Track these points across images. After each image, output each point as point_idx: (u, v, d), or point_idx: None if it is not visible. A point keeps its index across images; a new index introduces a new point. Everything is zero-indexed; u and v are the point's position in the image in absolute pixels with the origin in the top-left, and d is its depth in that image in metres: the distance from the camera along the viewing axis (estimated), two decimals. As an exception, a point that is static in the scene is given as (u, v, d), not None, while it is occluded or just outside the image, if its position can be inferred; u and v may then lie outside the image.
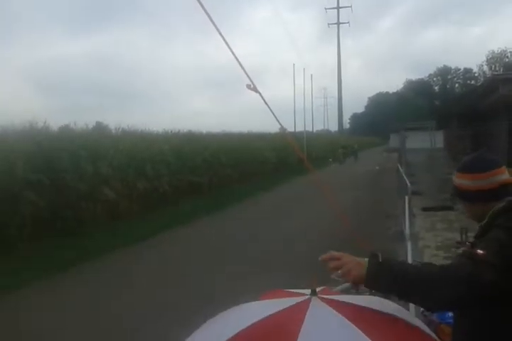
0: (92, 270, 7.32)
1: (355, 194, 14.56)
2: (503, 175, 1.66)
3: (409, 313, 1.60)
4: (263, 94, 2.97)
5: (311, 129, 47.06)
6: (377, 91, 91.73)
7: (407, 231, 5.78)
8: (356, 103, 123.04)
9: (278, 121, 3.21)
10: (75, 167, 10.26)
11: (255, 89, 2.90)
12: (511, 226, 1.51)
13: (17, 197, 8.70)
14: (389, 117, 55.32)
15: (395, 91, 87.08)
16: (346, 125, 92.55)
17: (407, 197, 7.29)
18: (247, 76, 2.78)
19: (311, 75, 35.88)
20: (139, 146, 13.19)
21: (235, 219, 11.78)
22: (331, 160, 32.30)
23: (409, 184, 7.91)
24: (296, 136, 33.03)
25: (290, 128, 37.91)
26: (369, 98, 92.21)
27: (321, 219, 10.69)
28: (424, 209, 11.05)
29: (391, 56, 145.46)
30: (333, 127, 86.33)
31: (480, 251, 1.44)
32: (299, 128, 36.10)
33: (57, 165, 9.79)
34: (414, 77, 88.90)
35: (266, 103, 3.02)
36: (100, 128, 15.87)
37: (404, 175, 8.92)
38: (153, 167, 13.20)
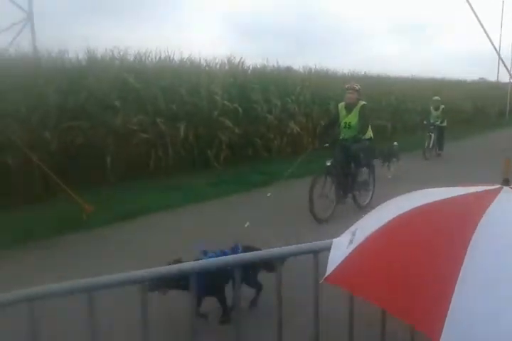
0: (276, 190, 7.99)
1: None
2: None
3: None
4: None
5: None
6: None
7: None
8: None
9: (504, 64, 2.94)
10: (265, 100, 10.98)
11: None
12: None
13: (216, 123, 9.74)
14: None
15: None
16: None
17: None
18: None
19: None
20: (324, 84, 13.36)
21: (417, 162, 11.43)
22: None
23: None
24: (499, 86, 29.37)
25: (492, 77, 34.09)
26: None
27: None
28: None
29: None
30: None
31: None
32: (503, 79, 32.01)
33: (250, 97, 10.60)
34: None
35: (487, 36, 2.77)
36: (289, 70, 16.44)
37: None
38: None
